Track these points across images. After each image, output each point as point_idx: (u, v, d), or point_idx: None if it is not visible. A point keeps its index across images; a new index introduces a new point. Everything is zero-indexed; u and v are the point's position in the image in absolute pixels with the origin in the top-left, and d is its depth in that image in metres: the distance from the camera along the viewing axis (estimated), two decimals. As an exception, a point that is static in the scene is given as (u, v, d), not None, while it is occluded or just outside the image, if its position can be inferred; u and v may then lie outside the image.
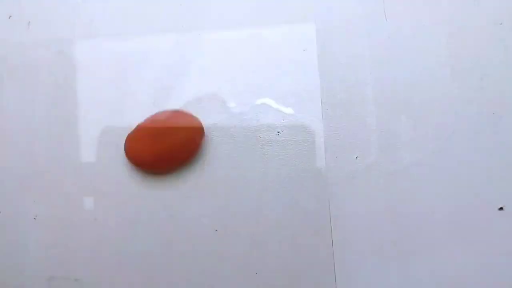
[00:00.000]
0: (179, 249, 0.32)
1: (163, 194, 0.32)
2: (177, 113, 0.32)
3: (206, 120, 0.32)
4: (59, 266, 0.32)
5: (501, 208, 0.32)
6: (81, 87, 0.34)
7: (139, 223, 0.32)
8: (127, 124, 0.32)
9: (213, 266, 0.32)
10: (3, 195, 0.33)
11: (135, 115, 0.32)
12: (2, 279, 0.32)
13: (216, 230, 0.32)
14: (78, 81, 0.34)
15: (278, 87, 0.33)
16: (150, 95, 0.33)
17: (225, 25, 0.34)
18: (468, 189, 0.32)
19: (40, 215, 0.33)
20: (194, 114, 0.32)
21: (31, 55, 0.34)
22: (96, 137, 0.33)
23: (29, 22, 0.34)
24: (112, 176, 0.33)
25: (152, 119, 0.32)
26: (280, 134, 0.32)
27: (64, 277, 0.32)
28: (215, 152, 0.32)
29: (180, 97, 0.33)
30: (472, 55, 0.33)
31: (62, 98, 0.33)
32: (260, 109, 0.33)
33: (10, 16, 0.34)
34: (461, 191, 0.32)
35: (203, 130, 0.32)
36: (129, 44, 0.34)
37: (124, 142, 0.32)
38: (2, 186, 0.33)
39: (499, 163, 0.32)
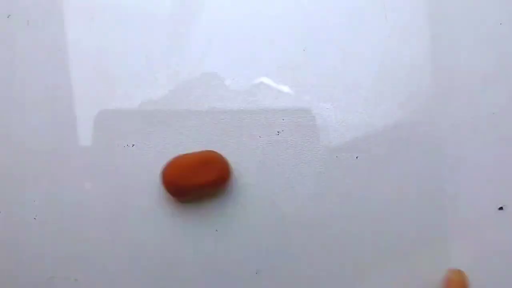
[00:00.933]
0: (180, 249, 0.32)
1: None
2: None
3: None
4: (59, 266, 0.32)
5: (501, 208, 0.32)
6: (79, 86, 0.34)
7: (140, 222, 0.32)
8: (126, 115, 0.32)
9: (213, 264, 0.32)
10: (3, 195, 0.33)
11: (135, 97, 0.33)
12: (2, 279, 0.32)
13: (216, 230, 0.32)
14: (75, 80, 0.34)
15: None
16: (148, 75, 0.33)
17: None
18: (468, 189, 0.32)
19: (40, 215, 0.33)
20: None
21: (30, 54, 0.34)
22: (98, 135, 0.33)
23: (28, 21, 0.34)
24: (113, 176, 0.33)
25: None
26: (280, 134, 0.33)
27: (64, 277, 0.32)
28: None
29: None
30: (471, 55, 0.33)
31: (62, 97, 0.33)
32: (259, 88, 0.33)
33: (9, 15, 0.34)
34: (461, 191, 0.32)
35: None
36: (128, 26, 0.34)
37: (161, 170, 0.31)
38: (2, 186, 0.33)
39: (499, 163, 0.32)
